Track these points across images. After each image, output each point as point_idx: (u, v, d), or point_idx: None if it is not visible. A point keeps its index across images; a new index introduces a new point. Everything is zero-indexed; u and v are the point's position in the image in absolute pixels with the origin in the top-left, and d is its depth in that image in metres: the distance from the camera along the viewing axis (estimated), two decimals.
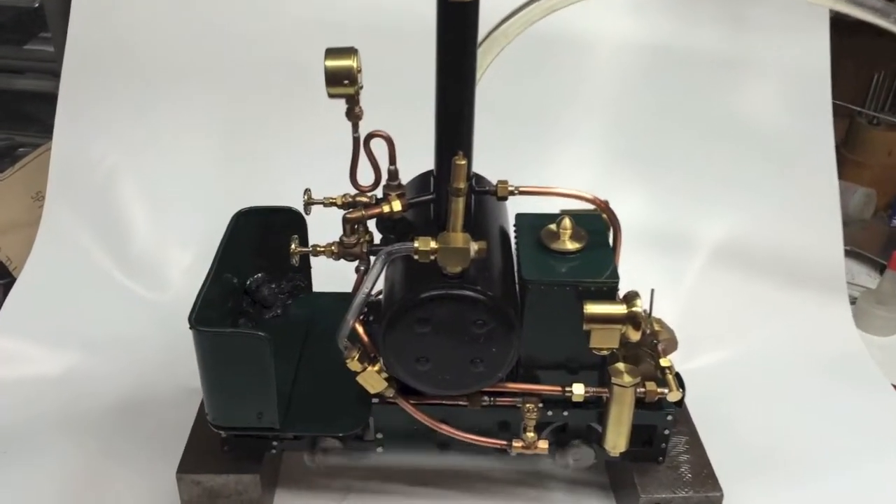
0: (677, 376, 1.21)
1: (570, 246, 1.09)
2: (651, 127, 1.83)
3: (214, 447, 1.19)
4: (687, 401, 1.30)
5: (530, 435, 1.12)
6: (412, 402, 1.12)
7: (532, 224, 1.14)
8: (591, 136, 1.85)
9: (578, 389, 1.10)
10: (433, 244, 0.97)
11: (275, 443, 1.19)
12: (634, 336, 1.03)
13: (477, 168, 1.09)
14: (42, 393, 1.44)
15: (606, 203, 1.13)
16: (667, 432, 1.18)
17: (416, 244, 0.97)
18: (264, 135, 1.67)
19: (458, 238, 0.97)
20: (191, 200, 1.62)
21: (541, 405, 1.13)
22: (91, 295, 1.56)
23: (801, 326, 1.62)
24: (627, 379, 1.07)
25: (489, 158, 1.21)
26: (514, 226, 1.16)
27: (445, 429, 1.12)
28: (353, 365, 1.05)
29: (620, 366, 1.09)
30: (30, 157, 1.74)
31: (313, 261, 1.33)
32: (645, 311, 1.19)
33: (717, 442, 1.26)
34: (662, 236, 1.76)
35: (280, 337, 1.26)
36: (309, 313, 1.29)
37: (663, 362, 1.13)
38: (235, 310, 1.26)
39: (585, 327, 1.03)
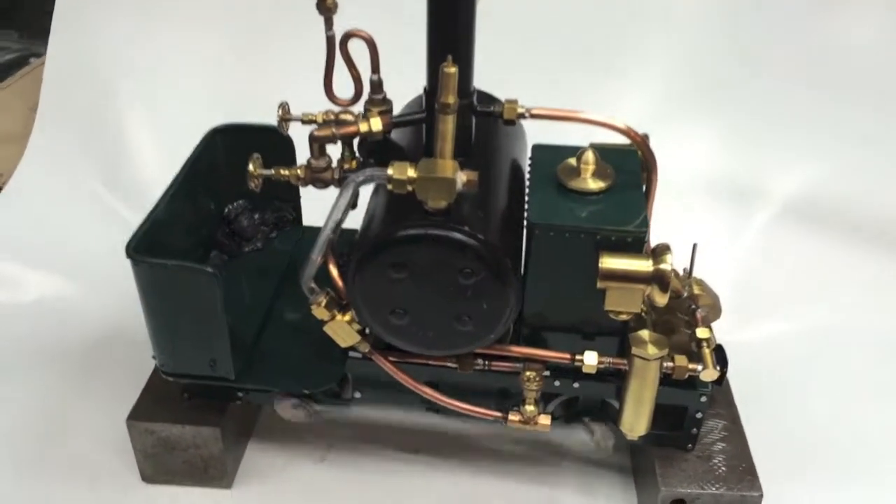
0: (717, 350, 1.01)
1: (592, 185, 0.89)
2: (726, 62, 1.59)
3: (175, 394, 1.04)
4: (731, 379, 1.10)
5: (529, 408, 0.94)
6: (392, 359, 0.94)
7: (551, 158, 0.94)
8: (656, 69, 1.62)
9: (590, 359, 0.91)
10: (411, 172, 0.78)
11: (240, 394, 1.04)
12: (660, 300, 0.84)
13: (509, 94, 0.90)
14: (13, 316, 1.33)
15: (644, 137, 0.92)
16: (699, 415, 0.98)
17: (390, 170, 0.79)
18: (269, 53, 1.49)
19: (444, 166, 0.78)
20: (189, 121, 1.46)
21: (546, 374, 0.95)
22: (76, 216, 1.43)
23: (876, 301, 1.38)
24: (652, 351, 0.88)
25: (524, 85, 1.02)
26: (530, 159, 0.96)
27: (430, 393, 0.95)
28: (320, 312, 0.88)
29: (644, 334, 0.89)
30: (30, 68, 1.61)
31: (305, 189, 1.15)
32: (684, 269, 0.99)
33: (762, 431, 1.06)
34: (723, 186, 1.53)
35: (254, 274, 1.10)
36: (293, 249, 1.12)
37: (700, 333, 0.93)
38: (209, 240, 1.10)
39: (600, 285, 0.83)
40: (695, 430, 0.99)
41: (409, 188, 0.79)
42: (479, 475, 1.09)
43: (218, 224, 1.12)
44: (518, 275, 0.85)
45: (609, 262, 0.83)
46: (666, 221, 1.12)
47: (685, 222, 1.42)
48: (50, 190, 1.44)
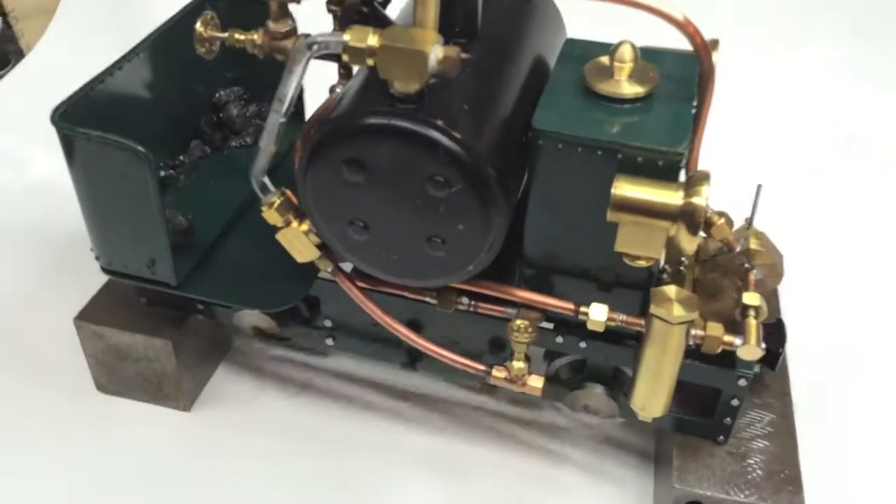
0: (775, 326, 0.81)
1: (627, 90, 0.69)
2: None
3: (134, 298, 0.91)
4: (793, 366, 0.88)
5: (517, 365, 0.76)
6: (360, 285, 0.78)
7: (584, 55, 0.74)
8: None
9: (598, 312, 0.72)
10: (372, 39, 0.60)
11: (200, 306, 0.90)
12: (688, 245, 0.64)
13: None
14: (16, 194, 1.25)
15: (710, 43, 0.71)
16: (735, 403, 0.78)
17: (346, 36, 0.61)
18: None
19: (417, 36, 0.60)
20: None
21: (548, 326, 0.77)
22: None
23: None
24: (677, 312, 0.68)
25: None
26: (560, 55, 0.76)
27: (403, 332, 0.78)
28: (271, 216, 0.72)
29: (670, 290, 0.69)
30: None
31: (313, 81, 0.99)
32: (746, 219, 0.78)
33: (821, 433, 0.85)
34: (824, 117, 1.27)
35: (231, 172, 0.95)
36: (289, 150, 0.96)
37: (748, 298, 0.72)
38: (188, 126, 0.96)
39: (611, 216, 0.64)
40: (728, 419, 0.79)
41: (370, 61, 0.61)
42: (466, 440, 0.93)
43: (204, 111, 0.97)
44: (508, 194, 0.66)
45: (624, 188, 0.63)
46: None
47: (761, 161, 1.19)
48: (71, 65, 1.33)
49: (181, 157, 0.93)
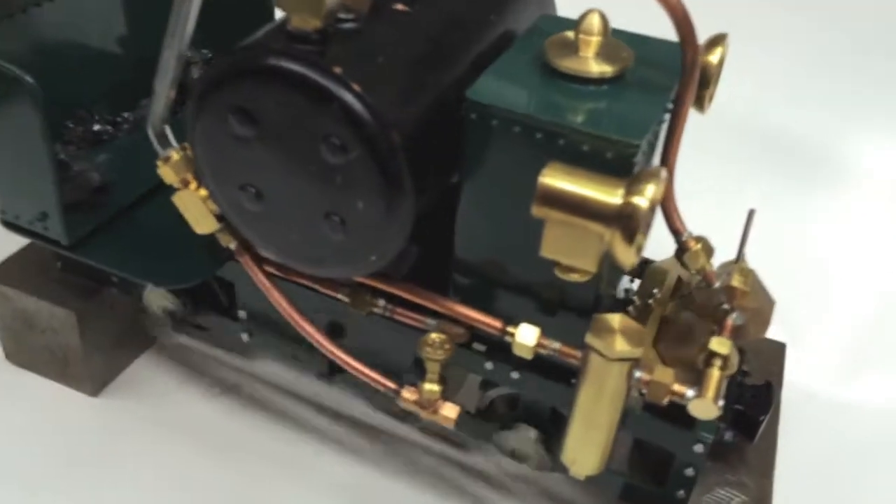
0: (763, 388, 0.67)
1: (592, 68, 0.57)
2: None
3: (52, 262, 0.83)
4: (785, 440, 0.74)
5: (428, 387, 0.63)
6: (269, 270, 0.67)
7: (554, 29, 0.62)
8: None
9: (526, 335, 0.60)
10: None
11: (114, 278, 0.80)
12: (624, 258, 0.50)
13: None
14: None
15: (689, 22, 0.58)
16: (689, 473, 0.63)
17: None
18: None
19: None
20: None
21: (481, 348, 0.65)
22: None
23: None
24: (619, 346, 0.55)
25: None
26: (528, 29, 0.65)
27: (307, 329, 0.66)
28: (166, 172, 0.62)
29: (614, 319, 0.56)
30: None
31: None
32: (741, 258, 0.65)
33: None
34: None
35: (178, 137, 0.86)
36: None
37: (716, 344, 0.59)
38: (142, 83, 0.87)
39: (536, 211, 0.51)
40: (682, 493, 0.65)
41: None
42: (394, 478, 0.80)
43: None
44: (421, 172, 0.55)
45: (554, 177, 0.50)
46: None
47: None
48: None
49: (125, 114, 0.85)
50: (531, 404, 0.67)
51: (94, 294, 0.81)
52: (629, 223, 0.49)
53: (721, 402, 0.56)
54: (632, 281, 0.74)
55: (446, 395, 0.64)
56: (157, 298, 0.78)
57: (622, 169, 0.52)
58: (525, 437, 0.68)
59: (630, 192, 0.49)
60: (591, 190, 0.50)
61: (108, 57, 0.82)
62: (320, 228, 0.57)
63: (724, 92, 0.65)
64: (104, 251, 0.72)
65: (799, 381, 0.86)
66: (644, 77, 0.58)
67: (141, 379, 0.89)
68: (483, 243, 0.61)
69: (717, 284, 0.63)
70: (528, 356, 0.60)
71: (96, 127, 0.81)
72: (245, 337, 0.77)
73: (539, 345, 0.60)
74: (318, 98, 0.51)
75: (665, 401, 0.57)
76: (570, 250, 0.52)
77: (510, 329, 0.60)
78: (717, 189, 1.06)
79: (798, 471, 0.75)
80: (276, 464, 0.80)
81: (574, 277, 0.54)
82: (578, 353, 0.59)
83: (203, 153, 0.59)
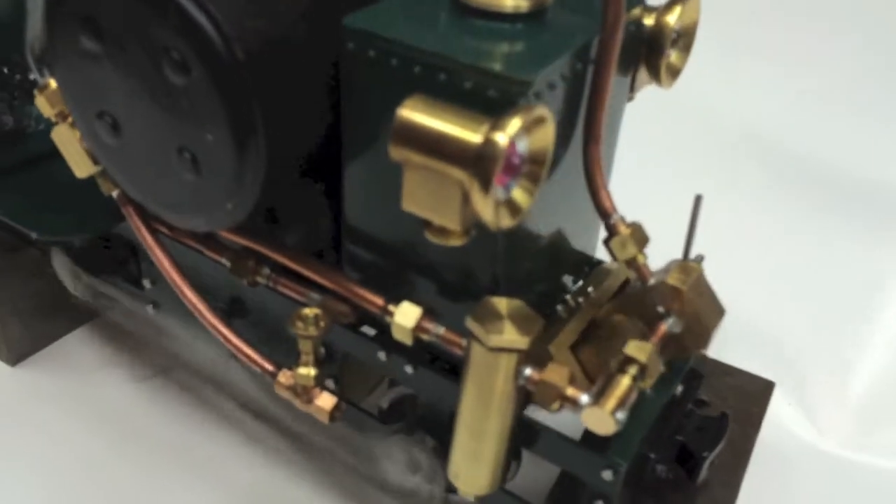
0: (717, 421, 0.56)
1: (504, 2, 0.48)
2: None
3: None
4: (752, 484, 0.61)
5: (302, 371, 0.54)
6: (155, 226, 0.60)
7: None
8: None
9: (406, 314, 0.50)
10: None
11: (33, 234, 0.75)
12: (483, 210, 0.41)
13: None
14: None
15: None
16: None
17: None
18: None
19: None
20: None
21: (367, 330, 0.56)
22: None
23: None
24: (507, 333, 0.45)
25: None
26: None
27: (187, 294, 0.58)
28: (42, 104, 0.56)
29: (501, 303, 0.46)
30: None
31: None
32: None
33: None
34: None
35: None
36: None
37: (633, 348, 0.48)
38: None
39: (394, 152, 0.42)
40: None
41: None
42: (292, 481, 0.71)
43: None
44: (279, 100, 0.46)
45: (413, 110, 0.41)
46: None
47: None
48: None
49: None
50: (429, 407, 0.57)
51: (11, 251, 0.76)
52: (485, 165, 0.39)
53: (620, 416, 0.45)
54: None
55: (322, 384, 0.55)
56: (64, 263, 0.72)
57: (505, 104, 0.43)
58: (421, 446, 0.58)
59: (494, 126, 0.39)
60: (451, 125, 0.40)
61: None
62: (174, 166, 0.50)
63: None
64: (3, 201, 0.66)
65: (794, 430, 0.73)
66: (568, 22, 0.49)
67: (67, 354, 0.83)
68: (371, 207, 0.52)
69: (651, 282, 0.52)
70: (408, 341, 0.51)
71: (33, 76, 0.77)
72: (149, 309, 0.69)
73: (419, 328, 0.50)
74: (156, 2, 0.44)
75: (555, 407, 0.46)
76: (431, 203, 0.43)
77: (391, 307, 0.51)
78: (741, 213, 0.94)
79: None
80: (180, 459, 0.73)
81: (446, 241, 0.45)
82: (462, 341, 0.49)
83: (60, 76, 0.52)
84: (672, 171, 0.93)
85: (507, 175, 0.41)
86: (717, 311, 0.53)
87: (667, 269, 0.52)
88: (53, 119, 0.57)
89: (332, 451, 0.69)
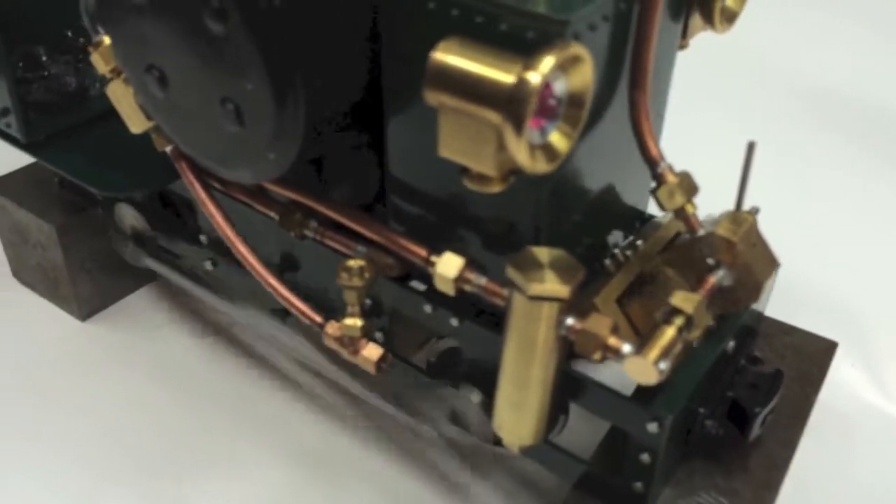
0: (771, 376, 0.54)
1: None
2: None
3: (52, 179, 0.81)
4: (808, 446, 0.59)
5: (348, 322, 0.55)
6: (208, 181, 0.61)
7: None
8: None
9: (448, 264, 0.50)
10: None
11: (98, 198, 0.77)
12: (518, 153, 0.40)
13: None
14: None
15: None
16: (645, 459, 0.51)
17: None
18: None
19: None
20: None
21: (408, 280, 0.56)
22: None
23: None
24: (548, 283, 0.44)
25: None
26: None
27: (239, 248, 0.59)
28: (97, 61, 0.57)
29: (541, 253, 0.46)
30: None
31: None
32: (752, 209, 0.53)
33: None
34: None
35: None
36: None
37: (679, 299, 0.47)
38: None
39: (429, 97, 0.42)
40: (640, 485, 0.52)
41: None
42: (352, 443, 0.72)
43: None
44: (309, 43, 0.46)
45: (446, 53, 0.41)
46: None
47: None
48: None
49: None
50: (475, 360, 0.57)
51: (79, 211, 0.78)
52: (518, 107, 0.38)
53: (663, 366, 0.44)
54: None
55: (370, 335, 0.55)
56: (128, 217, 0.74)
57: (537, 45, 0.42)
58: (467, 399, 0.58)
59: (527, 66, 0.39)
60: (483, 66, 0.40)
61: None
62: (219, 118, 0.51)
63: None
64: (62, 154, 0.69)
65: (858, 392, 0.71)
66: None
67: (134, 311, 0.85)
68: (414, 157, 0.52)
69: (700, 232, 0.51)
70: (451, 291, 0.50)
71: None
72: (209, 265, 0.71)
73: (461, 278, 0.50)
74: None
75: (598, 356, 0.46)
76: (467, 148, 0.42)
77: (433, 258, 0.51)
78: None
79: (819, 493, 0.60)
80: (239, 412, 0.74)
81: (484, 188, 0.44)
82: (504, 291, 0.48)
83: (111, 31, 0.53)
84: (727, 122, 0.90)
85: (543, 117, 0.41)
86: (770, 264, 0.51)
87: (717, 220, 0.51)
88: (108, 75, 0.58)
89: (385, 409, 0.70)
